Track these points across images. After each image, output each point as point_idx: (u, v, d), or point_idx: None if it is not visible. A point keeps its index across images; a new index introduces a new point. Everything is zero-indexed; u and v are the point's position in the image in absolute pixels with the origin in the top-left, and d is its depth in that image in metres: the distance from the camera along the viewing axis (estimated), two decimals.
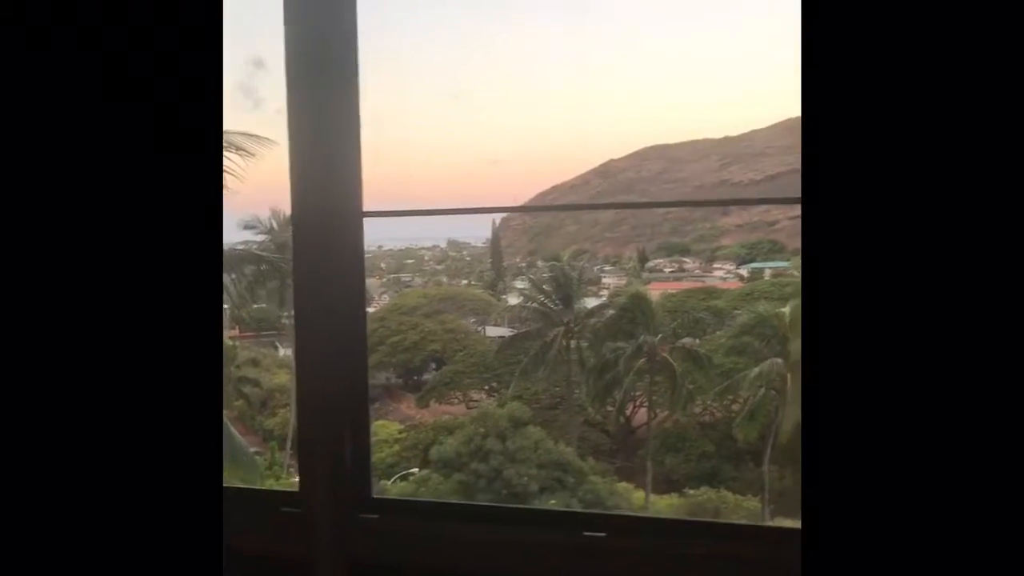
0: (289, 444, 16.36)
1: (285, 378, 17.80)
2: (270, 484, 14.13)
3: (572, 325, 16.22)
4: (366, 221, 2.18)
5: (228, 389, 16.65)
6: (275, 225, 16.37)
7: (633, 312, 15.53)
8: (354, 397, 2.21)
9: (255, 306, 18.45)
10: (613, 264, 21.18)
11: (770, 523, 9.57)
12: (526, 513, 2.40)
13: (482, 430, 13.70)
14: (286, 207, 2.21)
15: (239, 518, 1.84)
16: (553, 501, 12.97)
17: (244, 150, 12.06)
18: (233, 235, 16.02)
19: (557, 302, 16.48)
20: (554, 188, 24.57)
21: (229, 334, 18.24)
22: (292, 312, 2.44)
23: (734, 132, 22.18)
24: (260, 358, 18.94)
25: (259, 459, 15.39)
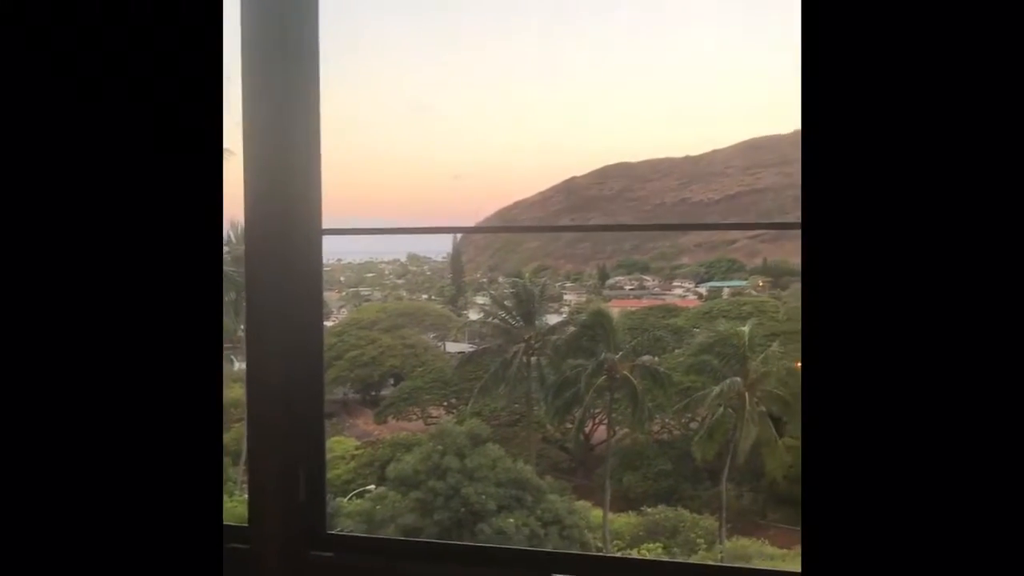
0: (243, 460, 16.02)
1: (240, 392, 17.36)
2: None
3: (533, 342, 16.20)
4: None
5: None
6: (232, 237, 16.12)
7: (594, 329, 15.57)
8: (309, 422, 2.11)
9: None
10: (574, 281, 21.28)
11: (748, 565, 9.63)
12: (492, 552, 2.27)
13: (440, 447, 13.55)
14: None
15: None
16: (511, 519, 12.88)
17: None
18: None
19: (518, 318, 16.45)
20: (517, 204, 24.66)
21: None
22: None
23: (695, 151, 22.53)
24: None
25: None
